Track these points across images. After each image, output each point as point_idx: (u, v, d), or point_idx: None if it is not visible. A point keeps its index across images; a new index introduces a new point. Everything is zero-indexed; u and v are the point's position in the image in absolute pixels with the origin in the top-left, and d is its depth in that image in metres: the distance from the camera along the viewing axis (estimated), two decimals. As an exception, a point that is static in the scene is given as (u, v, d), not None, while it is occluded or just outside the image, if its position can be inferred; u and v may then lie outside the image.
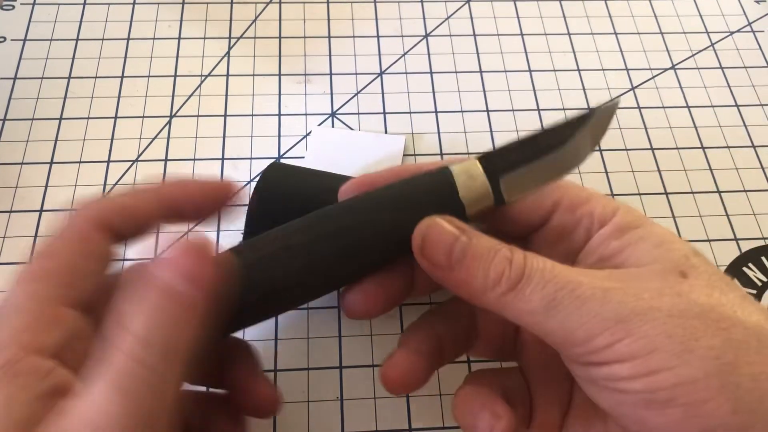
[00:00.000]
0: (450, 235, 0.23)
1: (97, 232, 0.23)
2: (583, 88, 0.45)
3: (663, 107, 0.45)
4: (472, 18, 0.49)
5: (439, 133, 0.43)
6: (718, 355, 0.19)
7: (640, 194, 0.41)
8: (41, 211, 0.38)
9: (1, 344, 0.19)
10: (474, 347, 0.28)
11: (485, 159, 0.24)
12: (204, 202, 0.25)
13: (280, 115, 0.43)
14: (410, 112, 0.44)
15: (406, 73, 0.46)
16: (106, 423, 0.18)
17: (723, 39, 0.49)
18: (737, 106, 0.45)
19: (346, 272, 0.24)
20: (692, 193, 0.41)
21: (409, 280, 0.26)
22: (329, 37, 0.47)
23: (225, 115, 0.43)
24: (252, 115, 0.43)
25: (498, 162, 0.24)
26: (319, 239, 0.23)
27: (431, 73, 0.46)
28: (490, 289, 0.22)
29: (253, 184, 0.39)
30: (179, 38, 0.46)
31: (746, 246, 0.39)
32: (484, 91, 0.45)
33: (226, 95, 0.44)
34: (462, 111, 0.44)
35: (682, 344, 0.19)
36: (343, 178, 0.36)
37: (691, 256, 0.22)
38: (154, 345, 0.19)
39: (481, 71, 0.46)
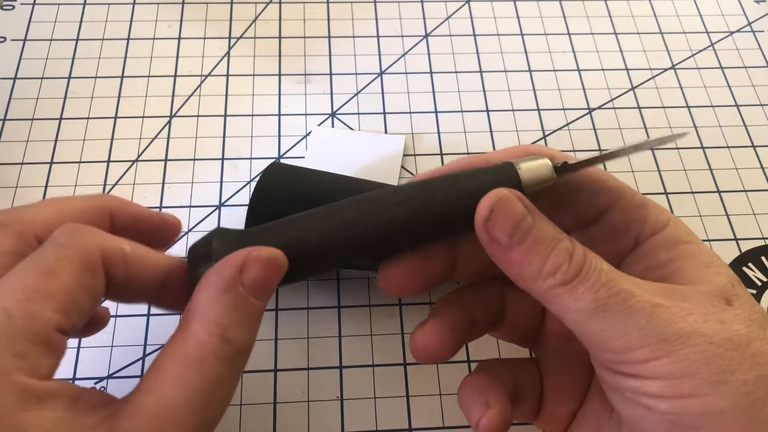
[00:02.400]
0: (518, 212, 0.22)
1: (100, 269, 0.21)
2: (583, 88, 0.45)
3: (663, 107, 0.45)
4: (472, 18, 0.49)
5: (439, 133, 0.43)
6: (751, 391, 0.19)
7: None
8: (41, 211, 0.38)
9: (4, 371, 0.18)
10: (499, 329, 0.28)
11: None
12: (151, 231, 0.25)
13: (280, 115, 0.43)
14: (410, 112, 0.44)
15: (406, 73, 0.46)
16: (188, 420, 0.19)
17: (723, 39, 0.49)
18: (737, 106, 0.45)
19: (394, 243, 0.24)
20: (692, 193, 0.41)
21: (451, 262, 0.26)
22: (329, 37, 0.47)
23: (225, 115, 0.43)
24: (252, 115, 0.43)
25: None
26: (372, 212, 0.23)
27: (431, 73, 0.46)
28: (542, 278, 0.21)
29: (253, 184, 0.39)
30: (179, 38, 0.46)
31: (746, 246, 0.39)
32: (484, 91, 0.45)
33: (226, 95, 0.44)
34: (462, 111, 0.44)
35: (718, 374, 0.19)
36: (343, 178, 0.36)
37: (735, 284, 0.22)
38: (249, 350, 0.21)
39: (481, 71, 0.46)
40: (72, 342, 0.33)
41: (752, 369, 0.20)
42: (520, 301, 0.26)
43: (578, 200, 0.25)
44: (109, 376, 0.33)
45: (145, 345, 0.34)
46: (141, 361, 0.34)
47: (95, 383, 0.33)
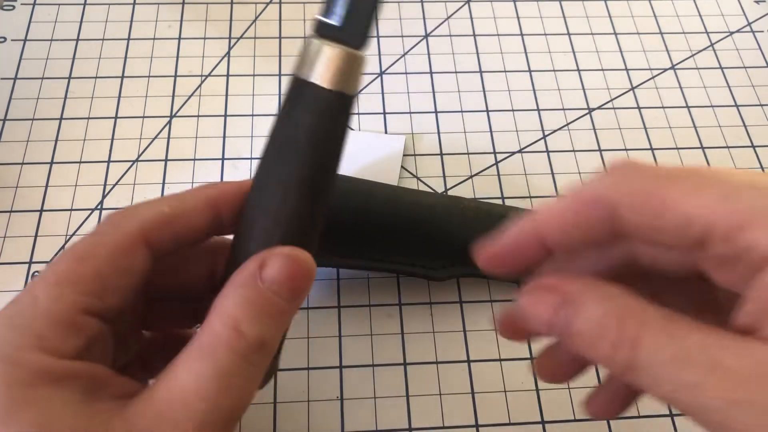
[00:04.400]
0: (543, 313, 0.20)
1: (138, 246, 0.22)
2: (583, 88, 0.45)
3: (663, 107, 0.45)
4: (472, 18, 0.49)
5: (439, 133, 0.43)
6: None
7: (639, 194, 0.41)
8: (41, 211, 0.38)
9: (22, 348, 0.19)
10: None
11: None
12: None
13: (280, 115, 0.43)
14: (410, 112, 0.44)
15: (406, 73, 0.46)
16: (197, 407, 0.19)
17: (723, 39, 0.49)
18: (737, 106, 0.45)
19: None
20: (692, 193, 0.41)
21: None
22: (329, 37, 0.47)
23: (225, 115, 0.43)
24: (252, 115, 0.43)
25: None
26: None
27: (431, 73, 0.46)
28: (601, 363, 0.19)
29: (253, 184, 0.39)
30: (179, 38, 0.46)
31: (746, 246, 0.39)
32: (484, 91, 0.45)
33: (226, 95, 0.44)
34: (462, 111, 0.44)
35: None
36: (344, 178, 0.36)
37: None
38: (265, 347, 0.21)
39: (481, 71, 0.46)
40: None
41: None
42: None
43: (664, 236, 0.20)
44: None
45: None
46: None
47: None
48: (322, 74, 0.22)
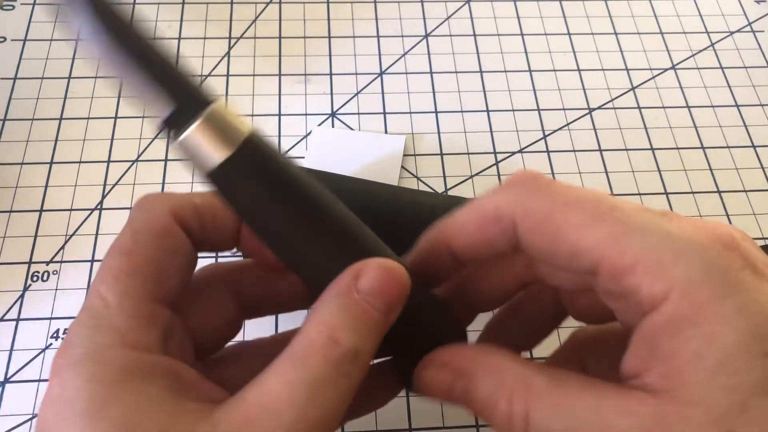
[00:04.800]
0: (440, 388, 0.21)
1: (174, 226, 0.22)
2: (583, 88, 0.45)
3: (663, 107, 0.45)
4: (472, 18, 0.49)
5: (439, 133, 0.43)
6: None
7: (640, 194, 0.41)
8: (41, 211, 0.38)
9: (107, 346, 0.19)
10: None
11: None
12: None
13: (280, 115, 0.43)
14: (410, 112, 0.44)
15: (406, 73, 0.46)
16: (285, 414, 0.18)
17: (723, 39, 0.49)
18: (737, 106, 0.45)
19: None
20: (692, 193, 0.41)
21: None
22: (329, 37, 0.47)
23: (225, 115, 0.43)
24: (252, 115, 0.43)
25: None
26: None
27: (431, 73, 0.46)
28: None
29: (253, 184, 0.39)
30: (179, 38, 0.46)
31: (746, 246, 0.39)
32: (484, 91, 0.45)
33: (226, 95, 0.44)
34: (462, 111, 0.44)
35: None
36: (344, 178, 0.36)
37: (751, 403, 0.16)
38: (360, 358, 0.20)
39: (481, 71, 0.46)
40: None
41: None
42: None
43: (548, 271, 0.22)
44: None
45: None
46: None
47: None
48: (210, 154, 0.19)
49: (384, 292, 0.20)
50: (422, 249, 0.23)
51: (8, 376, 0.33)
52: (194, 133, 0.19)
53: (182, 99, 0.20)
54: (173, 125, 0.20)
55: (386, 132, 0.43)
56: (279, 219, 0.21)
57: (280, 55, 0.46)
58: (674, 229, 0.18)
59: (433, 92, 0.45)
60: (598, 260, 0.18)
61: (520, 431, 0.19)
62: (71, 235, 0.38)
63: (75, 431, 0.17)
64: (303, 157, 0.41)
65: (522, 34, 0.48)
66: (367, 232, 0.22)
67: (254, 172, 0.20)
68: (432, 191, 0.40)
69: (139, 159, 0.41)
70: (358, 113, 0.43)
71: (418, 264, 0.23)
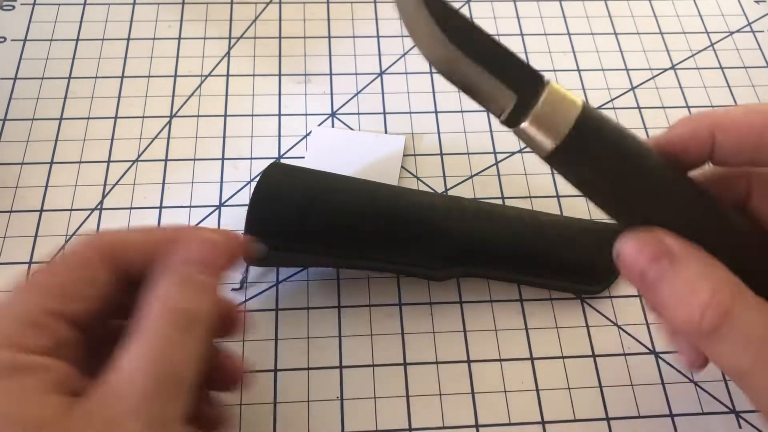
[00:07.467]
0: (642, 261, 0.20)
1: (99, 261, 0.24)
2: (583, 88, 0.45)
3: (663, 107, 0.45)
4: (472, 18, 0.49)
5: (439, 133, 0.43)
6: None
7: (640, 194, 0.41)
8: (41, 211, 0.38)
9: None
10: None
11: None
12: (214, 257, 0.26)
13: (280, 115, 0.43)
14: (410, 112, 0.44)
15: (406, 73, 0.46)
16: (138, 379, 0.20)
17: (723, 39, 0.49)
18: (737, 106, 0.45)
19: None
20: (692, 193, 0.41)
21: None
22: (329, 37, 0.47)
23: (225, 115, 0.43)
24: (252, 115, 0.43)
25: None
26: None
27: (431, 73, 0.46)
28: (685, 328, 0.19)
29: (254, 184, 0.39)
30: (179, 38, 0.46)
31: (746, 246, 0.39)
32: (484, 91, 0.45)
33: (226, 95, 0.44)
34: (462, 111, 0.44)
35: None
36: (344, 178, 0.36)
37: None
38: (197, 317, 0.23)
39: (481, 71, 0.46)
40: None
41: None
42: None
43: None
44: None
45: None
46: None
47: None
48: (543, 142, 0.23)
49: (205, 260, 0.24)
50: (685, 125, 0.23)
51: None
52: (528, 126, 0.23)
53: (519, 92, 0.25)
54: (511, 121, 0.23)
55: (386, 132, 0.43)
56: (615, 188, 0.22)
57: (280, 55, 0.46)
58: None
59: (433, 92, 0.45)
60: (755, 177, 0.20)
61: (707, 327, 0.18)
62: (71, 235, 0.38)
63: None
64: (303, 157, 0.41)
65: (522, 34, 0.48)
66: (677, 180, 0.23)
67: (583, 156, 0.23)
68: (432, 191, 0.40)
69: (139, 159, 0.41)
70: (358, 113, 0.43)
71: (677, 139, 0.23)
